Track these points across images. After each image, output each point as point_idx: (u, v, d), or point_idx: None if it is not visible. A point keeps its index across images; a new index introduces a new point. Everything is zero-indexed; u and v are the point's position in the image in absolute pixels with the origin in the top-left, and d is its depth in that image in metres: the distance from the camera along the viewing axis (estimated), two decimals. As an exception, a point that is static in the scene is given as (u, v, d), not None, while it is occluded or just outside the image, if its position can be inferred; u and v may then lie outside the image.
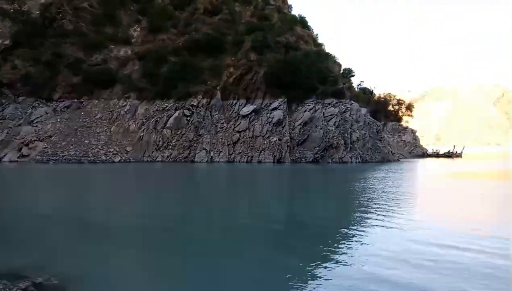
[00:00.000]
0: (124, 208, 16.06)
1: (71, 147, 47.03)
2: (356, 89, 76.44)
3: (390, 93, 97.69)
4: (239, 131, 49.89)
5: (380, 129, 62.19)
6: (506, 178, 34.58)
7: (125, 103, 52.60)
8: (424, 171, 41.04)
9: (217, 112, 51.66)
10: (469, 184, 26.56)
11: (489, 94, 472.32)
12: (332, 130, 51.42)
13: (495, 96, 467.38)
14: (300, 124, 51.76)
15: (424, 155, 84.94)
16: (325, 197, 20.47)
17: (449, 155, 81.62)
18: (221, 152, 48.91)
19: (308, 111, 52.51)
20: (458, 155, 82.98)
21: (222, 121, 51.06)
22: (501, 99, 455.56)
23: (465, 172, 40.72)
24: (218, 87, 52.93)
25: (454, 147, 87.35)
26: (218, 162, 47.15)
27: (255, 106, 51.12)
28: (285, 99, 51.99)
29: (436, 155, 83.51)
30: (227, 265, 8.48)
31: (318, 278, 7.38)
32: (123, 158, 47.12)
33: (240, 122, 50.38)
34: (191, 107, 51.13)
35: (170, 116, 50.56)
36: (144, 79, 53.66)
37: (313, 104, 52.98)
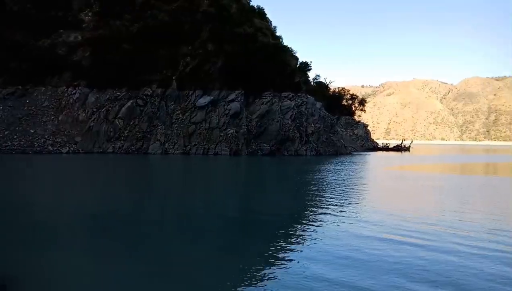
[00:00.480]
0: (68, 204, 15.21)
1: (15, 137, 44.17)
2: (312, 83, 77.74)
3: (344, 88, 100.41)
4: (195, 123, 49.08)
5: (334, 123, 63.74)
6: (453, 170, 36.48)
7: (74, 91, 50.04)
8: (374, 164, 42.47)
9: (173, 102, 50.47)
10: (417, 177, 27.73)
11: (435, 91, 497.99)
12: (288, 123, 51.94)
13: (441, 93, 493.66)
14: (257, 117, 51.81)
15: (375, 148, 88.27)
16: (279, 189, 20.56)
17: (398, 149, 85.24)
18: (176, 143, 47.94)
19: (265, 104, 52.65)
20: (407, 149, 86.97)
21: (177, 112, 49.96)
22: (447, 96, 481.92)
23: (413, 165, 42.66)
24: (174, 77, 51.64)
25: (402, 141, 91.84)
26: (173, 153, 46.20)
27: (212, 97, 50.48)
28: (243, 92, 51.75)
29: (386, 149, 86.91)
30: (164, 266, 8.19)
31: (263, 275, 7.29)
32: (72, 148, 44.94)
33: (196, 114, 49.56)
34: (145, 97, 49.59)
35: (123, 106, 48.78)
36: (95, 66, 51.23)
37: (270, 97, 53.17)
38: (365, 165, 40.50)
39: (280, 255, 8.56)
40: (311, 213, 13.35)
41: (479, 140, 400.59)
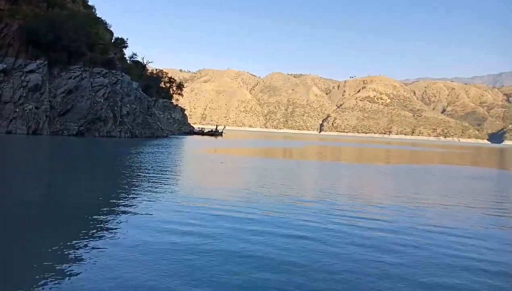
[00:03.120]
0: None
1: None
2: (129, 61, 73.85)
3: (162, 70, 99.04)
4: (-21, 94, 40.50)
5: (151, 105, 62.23)
6: (258, 153, 40.21)
7: None
8: (190, 147, 43.33)
9: None
10: (228, 159, 29.48)
11: (246, 82, 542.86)
12: (100, 102, 48.05)
13: (251, 85, 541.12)
14: (63, 93, 46.18)
15: (191, 132, 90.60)
16: (89, 174, 18.72)
17: (212, 133, 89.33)
18: (-49, 118, 38.68)
19: (74, 78, 47.36)
20: (220, 134, 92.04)
21: (-46, 80, 40.31)
22: (255, 87, 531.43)
23: (225, 148, 45.30)
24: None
25: (216, 126, 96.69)
26: None
27: (4, 65, 42.46)
28: (46, 62, 45.26)
29: (202, 133, 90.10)
30: None
31: (55, 272, 6.37)
32: None
33: (-18, 83, 40.96)
34: None
35: None
36: None
37: (80, 72, 48.09)
38: (181, 148, 40.86)
39: (82, 245, 7.60)
40: (122, 200, 12.48)
41: (279, 128, 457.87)
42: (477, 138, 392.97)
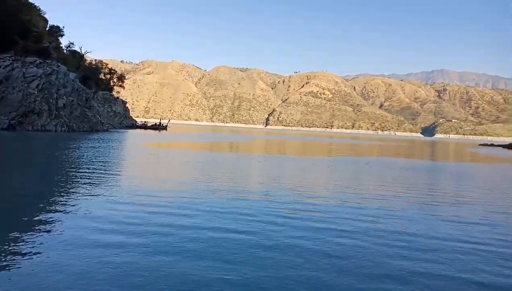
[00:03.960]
0: None
1: None
2: (65, 51, 69.94)
3: (102, 61, 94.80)
4: None
5: (90, 98, 59.45)
6: (202, 148, 39.92)
7: None
8: (132, 142, 42.03)
9: None
10: (173, 153, 29.02)
11: (191, 75, 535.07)
12: (34, 93, 45.15)
13: (196, 78, 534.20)
14: (-10, 83, 42.80)
15: (134, 126, 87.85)
16: (19, 172, 17.60)
17: (156, 127, 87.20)
18: None
19: (4, 68, 44.06)
20: (164, 128, 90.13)
21: None
22: (201, 81, 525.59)
23: (170, 143, 44.47)
24: None
25: (160, 120, 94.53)
26: None
27: None
28: (-31, 50, 41.66)
29: (145, 127, 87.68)
30: None
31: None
32: None
33: None
34: None
35: None
36: None
37: (11, 61, 44.84)
38: (122, 143, 39.53)
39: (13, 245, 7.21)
40: (57, 197, 11.93)
41: (226, 122, 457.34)
42: (411, 132, 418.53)
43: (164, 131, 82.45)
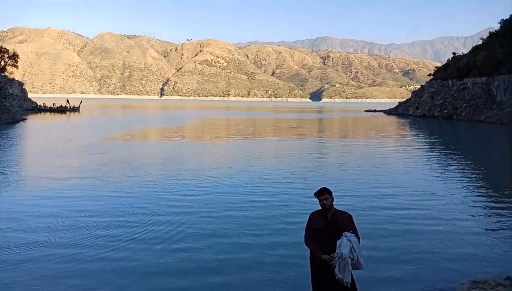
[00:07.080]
0: None
1: None
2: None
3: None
4: None
5: (5, 86, 51.32)
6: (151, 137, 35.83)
7: None
8: (84, 133, 36.13)
9: None
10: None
11: (72, 43, 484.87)
12: None
13: (78, 46, 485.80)
14: None
15: (35, 109, 77.76)
16: None
17: (62, 110, 77.97)
18: None
19: None
20: (75, 110, 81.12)
21: None
22: (84, 49, 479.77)
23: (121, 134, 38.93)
24: None
25: (68, 101, 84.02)
26: None
27: None
28: None
29: (50, 109, 77.95)
30: None
31: None
32: None
33: None
34: None
35: None
36: None
37: None
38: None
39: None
40: None
41: (117, 94, 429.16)
42: (301, 97, 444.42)
43: (76, 114, 73.92)
